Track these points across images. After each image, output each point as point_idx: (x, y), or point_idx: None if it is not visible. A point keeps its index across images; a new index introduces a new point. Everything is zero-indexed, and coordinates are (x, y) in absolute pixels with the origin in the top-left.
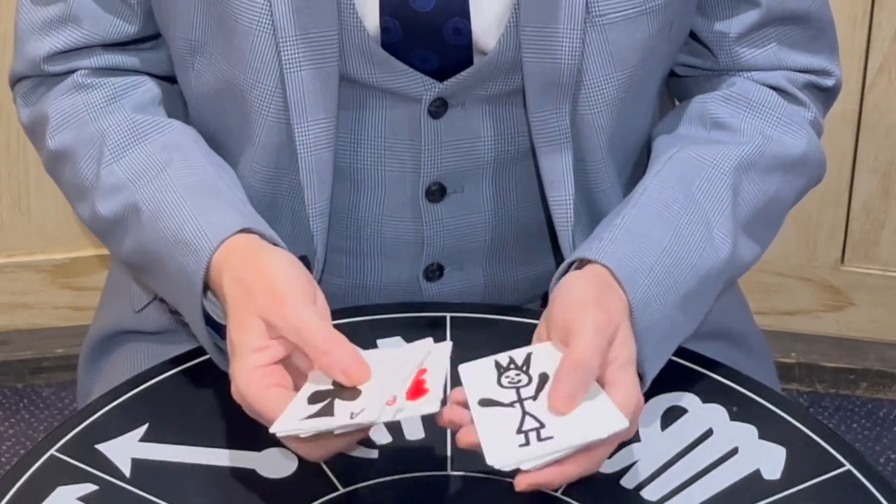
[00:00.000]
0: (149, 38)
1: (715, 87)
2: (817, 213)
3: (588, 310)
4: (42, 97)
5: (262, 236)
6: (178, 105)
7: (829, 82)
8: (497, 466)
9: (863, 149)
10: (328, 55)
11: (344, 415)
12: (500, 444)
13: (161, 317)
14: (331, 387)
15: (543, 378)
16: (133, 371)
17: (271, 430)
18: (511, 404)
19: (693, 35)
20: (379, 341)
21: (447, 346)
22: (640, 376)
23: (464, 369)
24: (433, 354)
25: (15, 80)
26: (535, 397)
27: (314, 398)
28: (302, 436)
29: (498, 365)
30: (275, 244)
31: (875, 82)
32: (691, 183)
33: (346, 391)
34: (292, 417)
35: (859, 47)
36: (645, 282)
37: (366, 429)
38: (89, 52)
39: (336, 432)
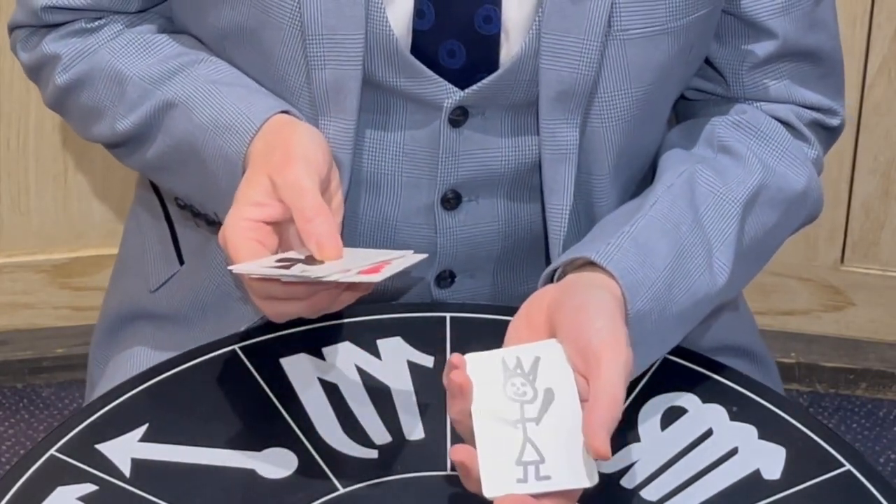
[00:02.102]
0: (150, 8)
1: (725, 112)
2: None
3: (620, 347)
4: (44, 38)
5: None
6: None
7: (834, 122)
8: (490, 497)
9: (863, 149)
10: (352, 57)
11: (296, 271)
12: (498, 475)
13: (176, 298)
14: (302, 257)
15: (548, 397)
16: (143, 359)
17: (229, 268)
18: (514, 424)
19: (707, 61)
20: (379, 342)
21: (417, 258)
22: None
23: (471, 360)
24: (403, 258)
25: (12, 29)
26: (538, 421)
27: (282, 261)
28: (253, 276)
29: (505, 365)
30: None
31: (875, 82)
32: (699, 207)
33: (314, 262)
34: (253, 264)
35: (859, 47)
36: (645, 295)
37: (316, 285)
38: (91, 13)
39: (284, 280)
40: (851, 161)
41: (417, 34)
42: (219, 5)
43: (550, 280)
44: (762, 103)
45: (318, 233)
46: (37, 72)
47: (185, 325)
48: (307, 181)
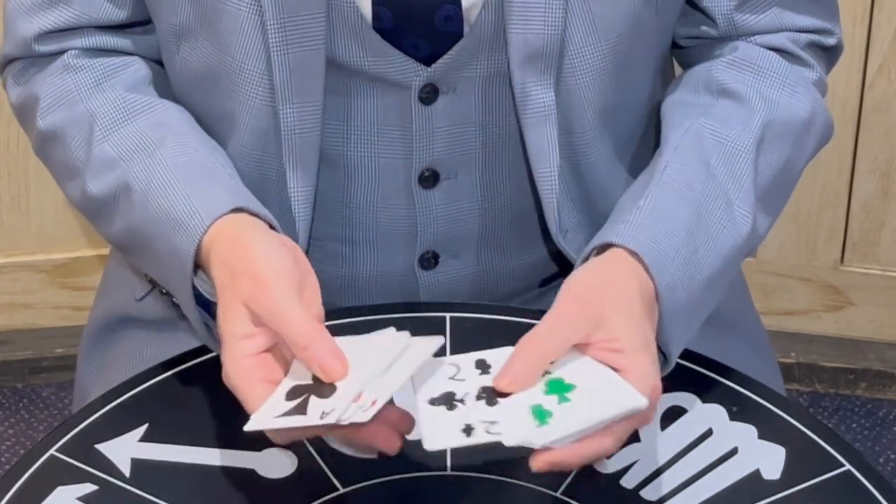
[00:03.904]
0: (140, 22)
1: (719, 54)
2: (817, 213)
3: (562, 300)
4: (32, 77)
5: (256, 215)
6: (168, 86)
7: (831, 41)
8: (510, 444)
9: (862, 149)
10: (315, 38)
11: (315, 414)
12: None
13: (161, 307)
14: (310, 381)
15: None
16: (134, 361)
17: (244, 429)
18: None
19: (693, 4)
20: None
21: (432, 344)
22: (665, 357)
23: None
24: (413, 351)
25: (5, 63)
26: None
27: (292, 394)
28: (274, 434)
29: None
30: (269, 223)
31: (875, 82)
32: (710, 160)
33: (324, 387)
34: (267, 415)
35: (859, 47)
36: (671, 266)
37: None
38: (80, 32)
39: (312, 430)
40: (851, 161)
41: (378, 32)
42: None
43: None
44: (756, 36)
45: (318, 357)
46: (21, 113)
47: (173, 329)
48: (287, 305)
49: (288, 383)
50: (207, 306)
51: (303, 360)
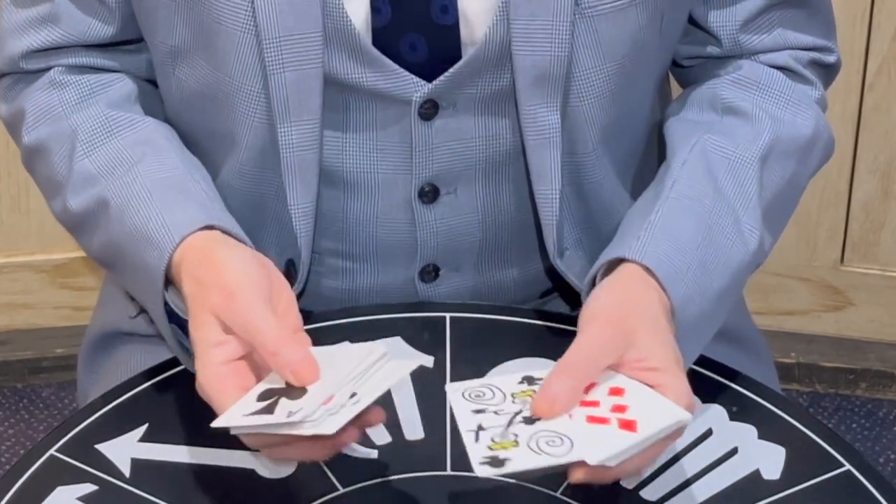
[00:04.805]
0: (128, 41)
1: (723, 72)
2: (817, 213)
3: (593, 323)
4: (20, 93)
5: (227, 232)
6: (154, 103)
7: (830, 59)
8: (593, 461)
9: (862, 149)
10: (312, 56)
11: (281, 414)
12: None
13: (152, 325)
14: (283, 385)
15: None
16: (131, 372)
17: (212, 425)
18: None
19: (696, 24)
20: (379, 342)
21: (412, 363)
22: None
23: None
24: (391, 366)
25: None
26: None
27: (263, 396)
28: (240, 432)
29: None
30: (240, 240)
31: (875, 82)
32: (717, 176)
33: (295, 391)
34: (236, 413)
35: (859, 47)
36: (683, 281)
37: (319, 438)
38: (67, 51)
39: (278, 432)
40: (851, 161)
41: (376, 31)
42: (171, 19)
43: (592, 285)
44: (759, 55)
45: (288, 362)
46: (11, 127)
47: (165, 344)
48: (256, 314)
49: (261, 386)
50: (182, 325)
51: (273, 366)
